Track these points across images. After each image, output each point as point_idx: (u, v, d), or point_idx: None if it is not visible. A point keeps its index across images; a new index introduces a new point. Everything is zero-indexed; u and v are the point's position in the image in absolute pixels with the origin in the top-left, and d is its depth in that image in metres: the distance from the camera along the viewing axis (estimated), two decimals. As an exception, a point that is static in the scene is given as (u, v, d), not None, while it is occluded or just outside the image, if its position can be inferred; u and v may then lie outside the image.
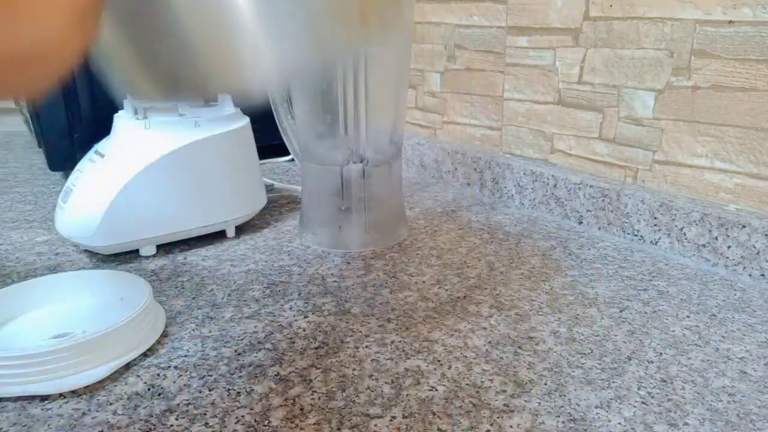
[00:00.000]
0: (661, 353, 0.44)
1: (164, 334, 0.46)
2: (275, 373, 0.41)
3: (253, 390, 0.40)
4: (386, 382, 0.40)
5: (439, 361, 0.43)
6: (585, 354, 0.44)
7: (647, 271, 0.58)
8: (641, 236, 0.64)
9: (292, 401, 0.38)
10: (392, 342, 0.45)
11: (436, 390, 0.40)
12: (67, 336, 0.44)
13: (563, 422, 0.36)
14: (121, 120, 0.61)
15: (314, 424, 0.36)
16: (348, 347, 0.45)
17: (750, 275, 0.56)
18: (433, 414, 0.37)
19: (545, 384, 0.40)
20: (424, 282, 0.56)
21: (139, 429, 0.36)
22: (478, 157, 0.82)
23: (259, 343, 0.45)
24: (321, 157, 0.63)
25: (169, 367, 0.42)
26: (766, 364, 0.43)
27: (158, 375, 0.41)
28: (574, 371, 0.42)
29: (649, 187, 0.66)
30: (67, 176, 0.64)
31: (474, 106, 0.86)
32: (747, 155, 0.57)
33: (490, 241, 0.66)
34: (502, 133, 0.82)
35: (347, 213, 0.64)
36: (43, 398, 0.39)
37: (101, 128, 0.65)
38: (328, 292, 0.54)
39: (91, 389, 0.40)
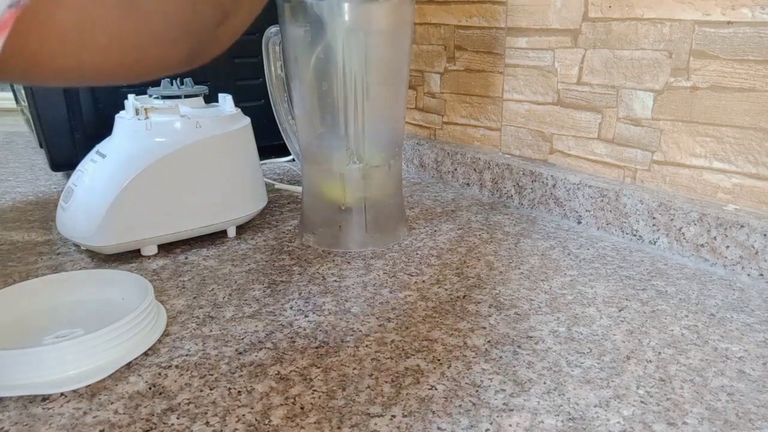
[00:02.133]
0: (659, 353, 0.44)
1: (165, 334, 0.47)
2: (276, 372, 0.42)
3: (253, 389, 0.40)
4: (386, 381, 0.41)
5: (438, 360, 0.43)
6: (584, 353, 0.44)
7: (646, 271, 0.58)
8: (640, 236, 0.65)
9: (292, 400, 0.39)
10: (392, 341, 0.46)
11: (436, 389, 0.40)
12: (69, 335, 0.44)
13: (562, 421, 0.37)
14: (123, 120, 0.61)
15: (315, 423, 0.36)
16: (348, 346, 0.45)
17: (749, 275, 0.56)
18: (433, 413, 0.37)
19: (544, 383, 0.40)
20: (423, 282, 0.56)
21: (140, 428, 0.36)
22: (477, 157, 0.83)
23: (259, 342, 0.46)
24: (321, 158, 0.63)
25: (171, 366, 0.43)
26: (765, 364, 0.43)
27: (159, 374, 0.42)
28: (573, 370, 0.42)
29: (648, 187, 0.66)
30: (68, 176, 0.64)
31: (474, 106, 0.86)
32: (745, 155, 0.58)
33: (489, 241, 0.66)
34: (501, 134, 0.83)
35: (347, 213, 0.64)
36: (45, 397, 0.39)
37: (102, 129, 0.65)
38: (329, 292, 0.54)
39: (92, 388, 0.40)
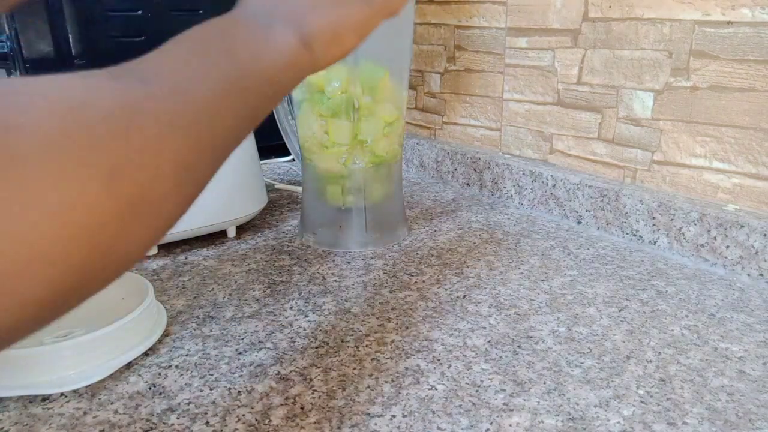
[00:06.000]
0: (659, 353, 0.44)
1: (165, 334, 0.47)
2: (276, 372, 0.42)
3: (253, 389, 0.40)
4: (386, 381, 0.41)
5: (438, 360, 0.43)
6: (584, 353, 0.44)
7: (646, 271, 0.58)
8: (640, 236, 0.65)
9: (292, 400, 0.39)
10: (392, 341, 0.46)
11: (436, 389, 0.40)
12: (69, 335, 0.44)
13: (562, 421, 0.37)
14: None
15: (315, 422, 0.36)
16: (348, 346, 0.45)
17: (748, 275, 0.56)
18: (433, 413, 0.37)
19: (544, 383, 0.40)
20: (423, 282, 0.56)
21: (140, 428, 0.36)
22: (477, 157, 0.83)
23: (259, 342, 0.46)
24: (321, 158, 0.63)
25: (171, 366, 0.43)
26: (765, 364, 0.43)
27: (159, 374, 0.42)
28: (573, 370, 0.42)
29: (648, 187, 0.66)
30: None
31: (474, 106, 0.86)
32: (745, 155, 0.58)
33: (489, 240, 0.66)
34: (501, 134, 0.83)
35: (347, 213, 0.64)
36: (45, 397, 0.39)
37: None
38: (329, 292, 0.54)
39: (92, 388, 0.40)
